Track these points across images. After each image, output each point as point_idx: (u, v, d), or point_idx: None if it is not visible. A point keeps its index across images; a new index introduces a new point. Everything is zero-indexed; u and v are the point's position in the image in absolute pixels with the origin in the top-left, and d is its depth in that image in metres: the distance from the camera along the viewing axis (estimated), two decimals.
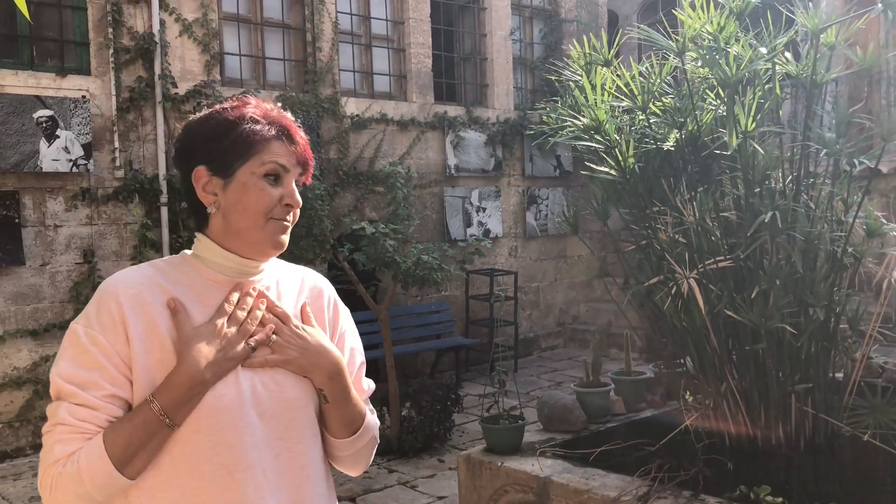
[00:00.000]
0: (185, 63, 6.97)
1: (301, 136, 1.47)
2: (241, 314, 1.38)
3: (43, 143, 6.16)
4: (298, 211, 1.46)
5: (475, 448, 3.41)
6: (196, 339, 1.32)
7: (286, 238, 1.43)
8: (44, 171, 6.19)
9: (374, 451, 1.58)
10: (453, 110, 8.97)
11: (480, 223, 9.15)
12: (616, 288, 3.62)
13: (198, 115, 1.48)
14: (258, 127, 1.41)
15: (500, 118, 9.42)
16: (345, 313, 1.60)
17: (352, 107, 8.04)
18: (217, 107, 1.47)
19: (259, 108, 1.45)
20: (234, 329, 1.36)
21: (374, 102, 8.25)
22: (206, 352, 1.31)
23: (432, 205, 8.76)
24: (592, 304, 10.32)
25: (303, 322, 1.46)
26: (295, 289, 1.53)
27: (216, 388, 1.32)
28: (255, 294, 1.42)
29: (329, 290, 1.59)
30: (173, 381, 1.29)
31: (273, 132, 1.42)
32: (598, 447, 3.18)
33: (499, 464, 3.19)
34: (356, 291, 6.14)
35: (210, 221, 1.43)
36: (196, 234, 1.46)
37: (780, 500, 2.69)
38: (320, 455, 1.47)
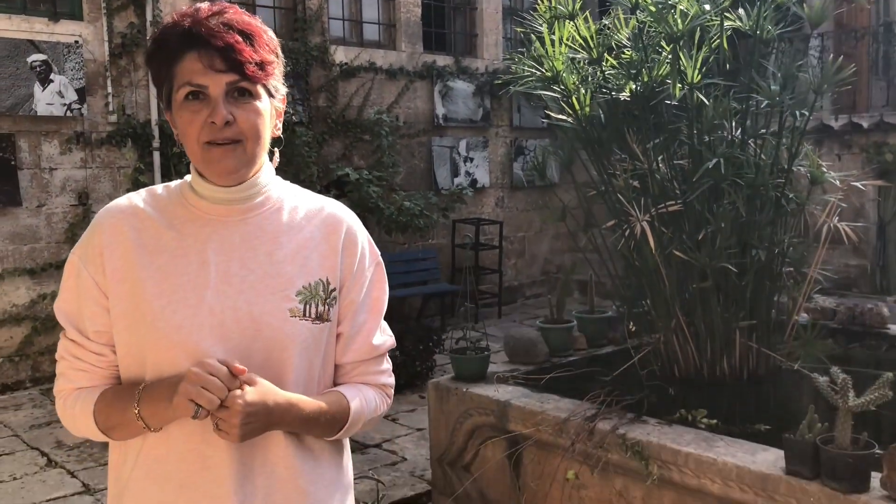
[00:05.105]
0: (175, 9, 7.07)
1: (220, 29, 1.28)
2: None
3: (37, 87, 6.31)
4: (247, 121, 1.30)
5: (444, 377, 3.68)
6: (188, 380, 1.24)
7: (235, 159, 1.31)
8: (38, 114, 6.35)
9: (378, 419, 1.51)
10: (442, 60, 9.09)
11: (468, 173, 9.34)
12: (590, 237, 3.82)
13: None
14: (167, 44, 1.30)
15: (489, 68, 9.53)
16: (368, 258, 1.47)
17: (340, 55, 8.16)
18: None
19: (176, 15, 1.32)
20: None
21: (362, 51, 8.37)
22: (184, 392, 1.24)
23: (420, 154, 8.94)
24: (577, 255, 10.58)
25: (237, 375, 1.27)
26: (305, 218, 1.42)
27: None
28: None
29: (350, 225, 1.45)
30: (156, 405, 1.29)
31: (181, 44, 1.29)
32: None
33: (464, 390, 3.46)
34: None
35: None
36: None
37: (714, 422, 2.96)
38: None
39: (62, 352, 1.39)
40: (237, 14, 1.33)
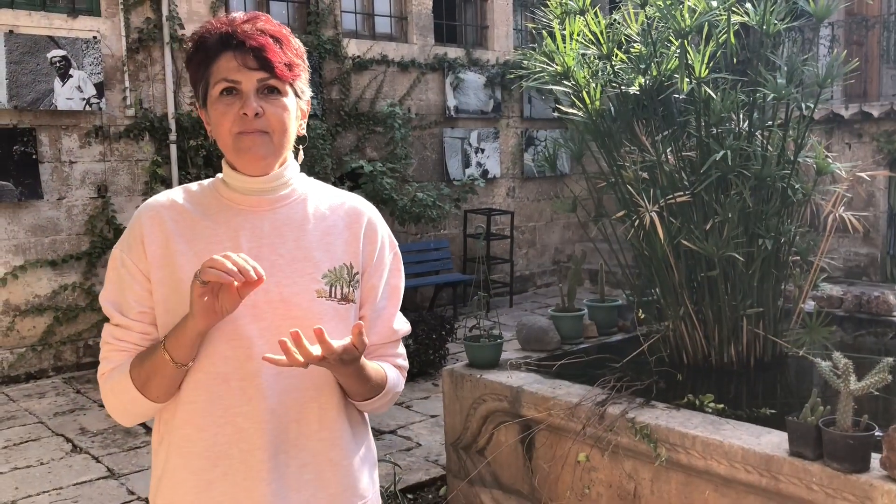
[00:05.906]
0: (191, 4, 7.19)
1: (254, 33, 1.41)
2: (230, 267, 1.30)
3: (57, 83, 6.44)
4: (275, 115, 1.42)
5: (458, 364, 3.79)
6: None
7: (263, 148, 1.43)
8: (58, 109, 6.48)
9: (395, 398, 1.60)
10: (453, 52, 9.16)
11: (479, 164, 9.42)
12: (600, 227, 3.90)
13: None
14: (205, 46, 1.43)
15: (500, 60, 9.60)
16: (388, 247, 1.59)
17: (353, 48, 8.24)
18: None
19: (214, 22, 1.45)
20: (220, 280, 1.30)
21: (375, 44, 8.45)
22: (201, 304, 1.33)
23: (432, 145, 9.03)
24: (588, 244, 10.65)
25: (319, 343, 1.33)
26: (329, 209, 1.53)
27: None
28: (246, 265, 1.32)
29: (370, 216, 1.58)
30: (178, 329, 1.38)
31: (218, 46, 1.42)
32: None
33: (478, 376, 3.55)
34: None
35: None
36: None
37: (721, 406, 3.05)
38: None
39: (106, 337, 1.49)
40: (269, 22, 1.46)
